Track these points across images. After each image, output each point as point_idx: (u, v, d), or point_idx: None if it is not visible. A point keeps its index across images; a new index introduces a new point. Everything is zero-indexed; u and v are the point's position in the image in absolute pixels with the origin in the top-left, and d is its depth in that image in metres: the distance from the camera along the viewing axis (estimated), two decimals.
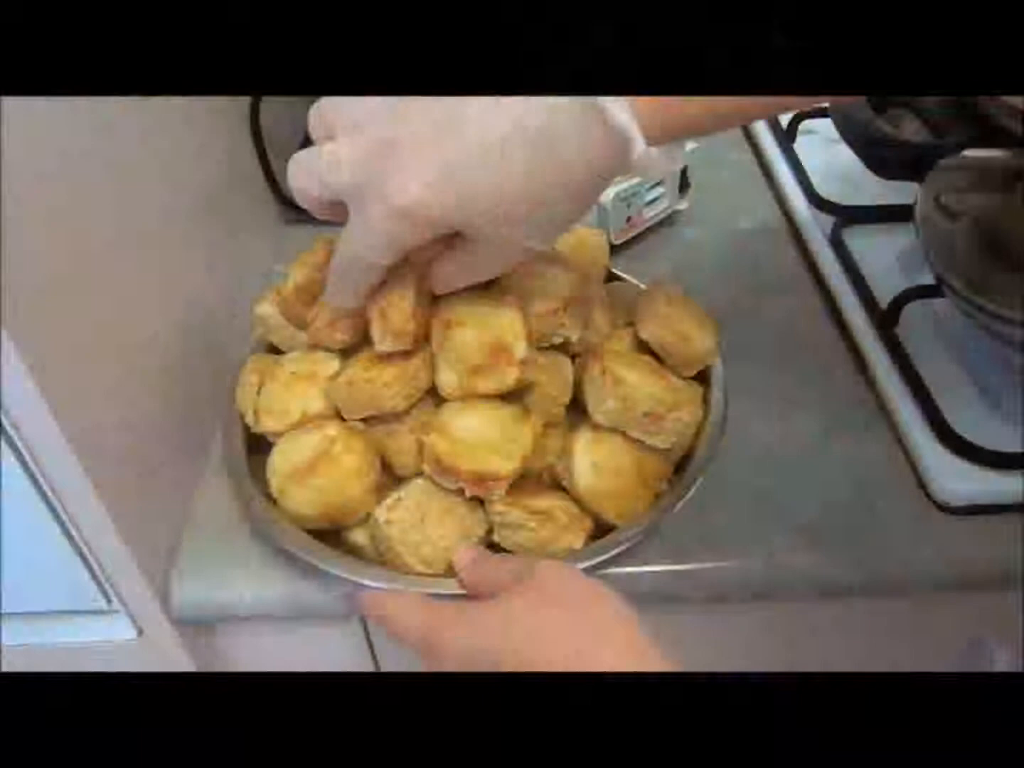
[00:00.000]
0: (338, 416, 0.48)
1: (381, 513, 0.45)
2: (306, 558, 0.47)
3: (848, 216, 0.71)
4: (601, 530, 0.47)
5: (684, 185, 0.72)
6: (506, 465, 0.44)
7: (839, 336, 0.65)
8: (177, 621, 0.52)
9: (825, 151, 0.78)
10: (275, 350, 0.55)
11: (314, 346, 0.51)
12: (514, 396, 0.47)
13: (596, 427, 0.47)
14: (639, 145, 0.37)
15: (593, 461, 0.46)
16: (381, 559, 0.46)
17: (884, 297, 0.63)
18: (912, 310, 0.62)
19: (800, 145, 0.80)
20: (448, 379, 0.46)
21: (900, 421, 0.57)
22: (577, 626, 0.36)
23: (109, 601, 0.51)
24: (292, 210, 0.72)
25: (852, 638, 0.60)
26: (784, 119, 0.83)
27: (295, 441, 0.47)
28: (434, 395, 0.48)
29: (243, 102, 0.69)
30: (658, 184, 0.70)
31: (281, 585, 0.51)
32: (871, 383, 0.61)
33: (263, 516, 0.48)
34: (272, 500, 0.47)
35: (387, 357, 0.46)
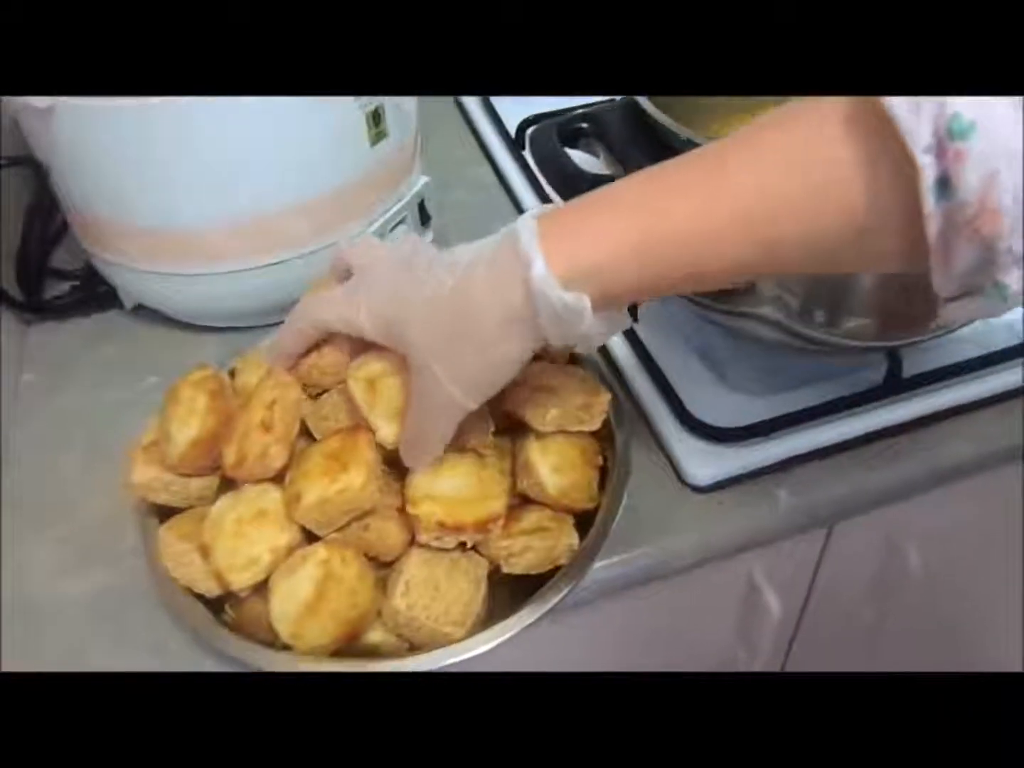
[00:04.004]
0: (309, 537, 0.49)
1: (400, 603, 0.46)
2: None
3: None
4: (579, 517, 0.51)
5: (425, 218, 0.75)
6: (499, 503, 0.48)
7: None
8: None
9: None
10: (161, 509, 0.52)
11: (231, 483, 0.50)
12: (454, 445, 0.49)
13: (539, 435, 0.51)
14: (539, 268, 0.40)
15: (552, 466, 0.50)
16: (408, 646, 0.48)
17: None
18: (649, 306, 0.68)
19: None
20: (388, 430, 0.48)
21: (651, 415, 0.63)
22: None
23: None
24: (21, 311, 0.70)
25: (636, 632, 0.66)
26: (512, 124, 0.87)
27: (287, 581, 0.46)
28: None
29: None
30: (400, 223, 0.72)
31: None
32: (624, 385, 0.66)
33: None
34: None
35: (337, 458, 0.47)
